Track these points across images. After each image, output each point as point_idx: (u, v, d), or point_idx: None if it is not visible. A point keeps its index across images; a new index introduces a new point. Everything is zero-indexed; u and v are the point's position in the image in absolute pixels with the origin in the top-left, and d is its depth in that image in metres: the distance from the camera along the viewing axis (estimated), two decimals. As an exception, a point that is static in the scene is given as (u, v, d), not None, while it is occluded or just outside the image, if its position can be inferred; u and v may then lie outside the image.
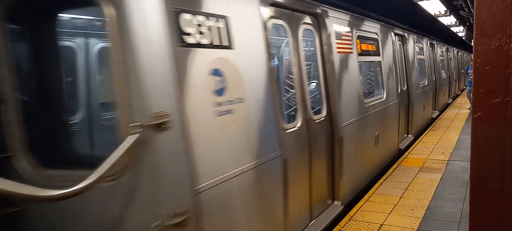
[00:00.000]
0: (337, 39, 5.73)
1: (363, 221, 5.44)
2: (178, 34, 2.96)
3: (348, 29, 6.22)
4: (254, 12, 3.94)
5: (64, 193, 2.34)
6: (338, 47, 5.76)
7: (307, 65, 5.66)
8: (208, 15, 3.28)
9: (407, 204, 5.98)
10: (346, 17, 6.25)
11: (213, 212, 3.13)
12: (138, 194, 2.71)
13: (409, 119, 9.94)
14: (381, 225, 5.30)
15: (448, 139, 10.42)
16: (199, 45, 3.15)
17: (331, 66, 5.46)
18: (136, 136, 2.62)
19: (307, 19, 5.20)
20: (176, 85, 2.89)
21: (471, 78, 15.68)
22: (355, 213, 5.73)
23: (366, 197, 6.36)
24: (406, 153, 9.10)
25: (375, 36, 7.60)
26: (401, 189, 6.68)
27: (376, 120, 7.07)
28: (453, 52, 20.09)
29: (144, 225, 2.67)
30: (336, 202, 5.68)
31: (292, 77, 5.05)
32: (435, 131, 11.62)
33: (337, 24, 5.84)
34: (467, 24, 18.08)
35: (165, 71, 2.84)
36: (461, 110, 15.82)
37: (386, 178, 7.27)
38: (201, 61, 3.15)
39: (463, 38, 22.69)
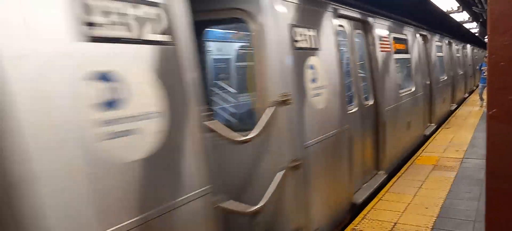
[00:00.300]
0: (379, 41, 7.05)
1: (377, 219, 5.41)
2: (292, 41, 4.30)
3: (387, 32, 7.61)
4: (330, 23, 5.27)
5: (245, 139, 3.68)
6: (381, 47, 7.09)
7: (360, 61, 6.74)
8: (307, 28, 4.66)
9: (421, 203, 5.93)
10: (385, 22, 7.66)
11: (313, 161, 4.53)
12: (272, 146, 4.02)
13: (431, 109, 11.21)
14: (395, 224, 5.26)
15: (462, 137, 10.30)
16: (303, 48, 4.51)
17: (376, 62, 6.86)
18: (272, 108, 3.93)
19: (359, 25, 6.57)
20: (292, 75, 4.23)
21: (484, 75, 15.61)
22: (369, 211, 5.70)
23: (379, 195, 6.32)
24: (420, 150, 9.04)
25: (405, 37, 8.95)
26: (415, 187, 6.63)
27: (407, 108, 8.42)
28: (468, 49, 21.23)
29: (275, 167, 4.01)
30: (380, 172, 7.06)
31: (349, 71, 6.21)
32: (448, 129, 11.49)
33: (379, 28, 7.20)
34: (480, 20, 17.87)
35: (287, 66, 4.16)
36: (475, 107, 15.65)
37: (399, 177, 7.22)
38: (304, 59, 4.51)
39: (476, 34, 22.42)
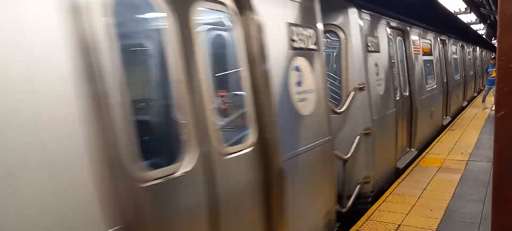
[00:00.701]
0: (413, 45, 8.89)
1: (381, 221, 5.38)
2: (366, 46, 6.23)
3: (417, 38, 9.44)
4: (385, 32, 7.23)
5: (340, 111, 5.81)
6: (414, 50, 8.92)
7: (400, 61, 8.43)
8: (374, 37, 6.64)
9: (425, 205, 5.90)
10: (416, 30, 9.44)
11: (378, 131, 6.38)
12: (352, 118, 6.02)
13: (448, 104, 12.85)
14: (399, 225, 5.23)
15: (467, 139, 10.23)
16: (372, 51, 6.41)
17: (411, 62, 8.69)
18: (353, 93, 5.94)
19: (400, 33, 8.38)
20: (366, 70, 6.13)
21: (491, 77, 15.75)
22: (373, 213, 5.67)
23: (384, 197, 6.29)
24: (425, 152, 8.99)
25: (429, 42, 10.71)
26: (419, 189, 6.59)
27: (431, 100, 10.12)
28: (478, 51, 23.01)
29: (355, 132, 6.01)
30: (412, 149, 8.66)
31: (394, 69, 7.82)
32: (453, 131, 11.42)
33: (413, 35, 9.06)
34: (488, 21, 17.83)
35: (362, 62, 6.05)
36: (480, 109, 15.57)
37: (404, 178, 7.19)
38: (372, 59, 6.40)
39: (483, 35, 22.40)
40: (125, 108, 2.20)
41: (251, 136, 3.36)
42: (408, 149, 8.58)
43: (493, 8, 13.46)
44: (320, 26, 4.49)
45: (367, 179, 6.13)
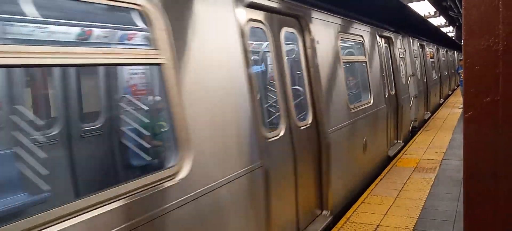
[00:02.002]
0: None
1: (359, 222, 5.46)
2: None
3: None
4: (414, 45, 11.71)
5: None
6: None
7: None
8: (406, 45, 11.20)
9: (402, 205, 6.02)
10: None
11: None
12: (410, 90, 10.88)
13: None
14: (377, 226, 5.32)
15: (441, 139, 10.50)
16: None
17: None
18: (410, 77, 11.26)
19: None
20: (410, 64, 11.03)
21: (462, 78, 16.62)
22: (351, 215, 5.75)
23: (361, 198, 6.39)
24: (399, 154, 9.17)
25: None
26: (396, 189, 6.72)
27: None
28: (451, 53, 25.74)
29: (408, 122, 10.63)
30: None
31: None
32: (428, 131, 11.70)
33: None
34: (457, 24, 18.54)
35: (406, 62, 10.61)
36: (453, 109, 15.98)
37: (381, 179, 7.32)
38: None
39: (453, 38, 23.31)
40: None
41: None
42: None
43: (461, 11, 13.97)
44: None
45: (415, 119, 11.63)
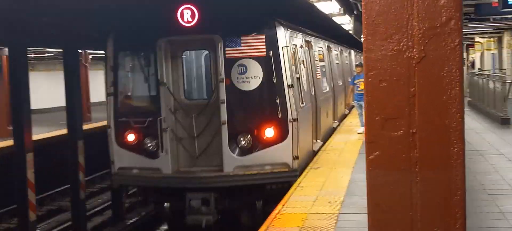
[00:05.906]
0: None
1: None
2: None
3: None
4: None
5: None
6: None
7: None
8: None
9: None
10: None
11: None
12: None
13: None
14: None
15: (337, 181, 7.27)
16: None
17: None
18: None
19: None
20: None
21: (359, 90, 11.88)
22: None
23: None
24: (279, 205, 6.08)
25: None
26: None
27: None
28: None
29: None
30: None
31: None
32: (317, 170, 8.06)
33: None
34: (354, 12, 13.42)
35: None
36: (351, 135, 11.57)
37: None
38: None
39: (350, 31, 16.97)
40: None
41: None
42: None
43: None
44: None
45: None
